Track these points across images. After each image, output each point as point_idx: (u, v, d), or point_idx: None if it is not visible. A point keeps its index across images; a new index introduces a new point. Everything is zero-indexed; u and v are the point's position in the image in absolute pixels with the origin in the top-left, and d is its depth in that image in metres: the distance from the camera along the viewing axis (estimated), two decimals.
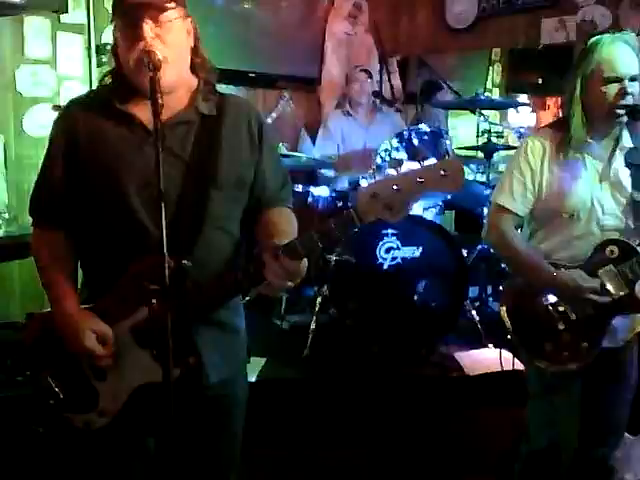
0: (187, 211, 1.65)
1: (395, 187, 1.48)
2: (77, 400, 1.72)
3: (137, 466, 1.79)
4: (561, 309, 2.20)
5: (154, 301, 1.58)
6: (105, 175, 1.67)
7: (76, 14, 4.14)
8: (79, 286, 1.81)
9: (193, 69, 1.75)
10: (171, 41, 1.63)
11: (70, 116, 1.74)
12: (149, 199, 1.64)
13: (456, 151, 4.52)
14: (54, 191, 1.74)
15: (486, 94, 4.97)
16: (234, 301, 1.82)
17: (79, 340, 1.64)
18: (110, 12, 1.70)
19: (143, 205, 1.65)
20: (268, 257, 1.54)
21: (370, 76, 4.97)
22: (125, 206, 1.66)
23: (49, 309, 1.76)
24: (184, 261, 1.58)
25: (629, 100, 2.13)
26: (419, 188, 1.48)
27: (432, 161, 1.64)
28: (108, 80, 1.76)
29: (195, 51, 1.73)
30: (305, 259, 1.57)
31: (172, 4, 1.64)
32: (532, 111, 6.33)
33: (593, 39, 2.20)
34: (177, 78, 1.68)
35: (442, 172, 1.47)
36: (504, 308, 2.30)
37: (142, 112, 1.68)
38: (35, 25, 4.04)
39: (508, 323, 2.27)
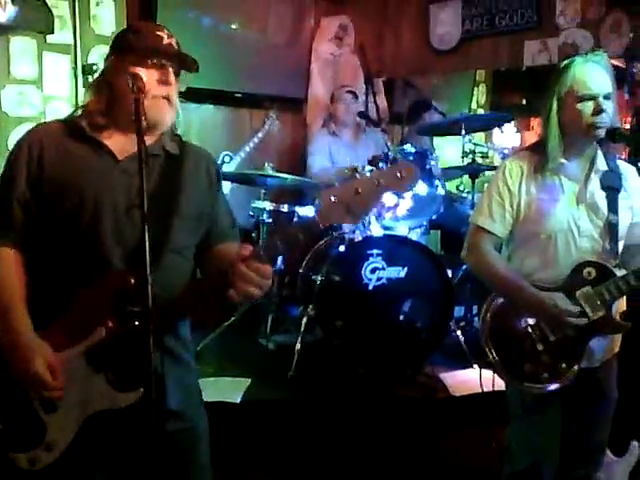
0: (150, 237, 1.58)
1: (355, 190, 1.56)
2: (20, 435, 1.63)
3: None
4: (540, 330, 2.21)
5: (110, 323, 1.59)
6: (69, 198, 1.68)
7: (62, 34, 4.17)
8: None
9: None
10: (176, 91, 1.78)
11: (36, 138, 1.74)
12: (112, 224, 1.67)
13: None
14: (13, 211, 1.71)
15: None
16: (184, 335, 1.83)
17: (30, 366, 1.58)
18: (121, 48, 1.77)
19: (105, 230, 1.67)
20: (239, 266, 1.56)
21: (356, 97, 5.00)
22: (86, 230, 1.67)
23: None
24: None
25: (604, 118, 2.17)
26: (377, 189, 1.58)
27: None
28: (79, 112, 1.82)
29: None
30: (270, 266, 1.60)
31: (191, 67, 1.77)
32: (517, 131, 6.39)
33: (566, 61, 2.26)
34: (170, 123, 1.80)
35: (398, 174, 1.59)
36: (484, 328, 2.31)
37: (112, 142, 1.75)
38: (21, 45, 4.06)
39: (487, 343, 2.28)
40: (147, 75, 1.70)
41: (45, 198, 1.70)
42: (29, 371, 1.58)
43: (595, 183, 2.25)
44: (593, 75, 2.19)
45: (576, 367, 2.19)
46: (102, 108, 1.75)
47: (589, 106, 2.17)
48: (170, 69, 1.74)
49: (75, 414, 1.62)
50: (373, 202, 1.58)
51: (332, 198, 1.57)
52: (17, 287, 1.69)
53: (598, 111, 2.17)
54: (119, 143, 1.75)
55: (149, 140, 1.74)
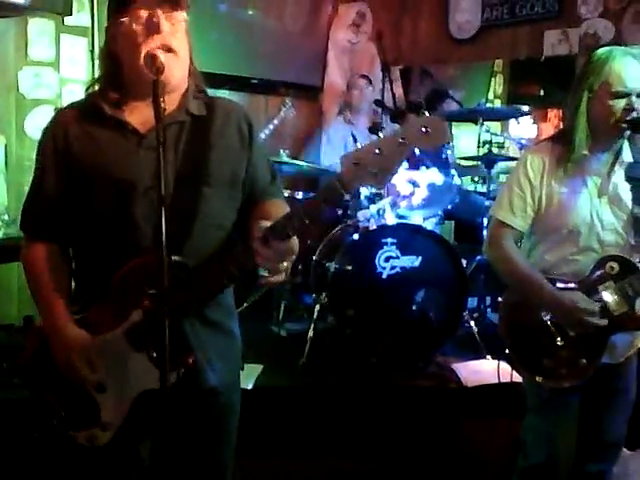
0: (180, 210, 1.61)
1: (377, 151, 1.44)
2: (78, 416, 1.68)
3: (132, 476, 1.76)
4: (560, 325, 2.18)
5: (146, 302, 1.57)
6: (100, 183, 1.65)
7: (80, 16, 4.15)
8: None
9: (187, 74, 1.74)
10: (181, 39, 1.65)
11: (59, 125, 1.72)
12: (145, 203, 1.63)
13: (457, 161, 4.51)
14: (48, 204, 1.73)
15: (488, 105, 4.97)
16: (227, 303, 1.80)
17: (69, 361, 1.64)
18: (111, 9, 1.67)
19: (139, 209, 1.64)
20: (257, 244, 1.51)
21: (370, 82, 4.97)
22: (121, 212, 1.64)
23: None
24: (174, 257, 1.54)
25: (633, 116, 2.12)
26: (402, 149, 1.45)
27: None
28: (96, 87, 1.74)
29: (190, 57, 1.73)
30: (295, 237, 1.54)
31: (183, 4, 1.65)
32: (533, 123, 6.33)
33: (603, 51, 2.18)
34: (182, 77, 1.68)
35: (423, 129, 1.44)
36: (501, 321, 2.29)
37: (133, 116, 1.68)
38: (39, 27, 4.05)
39: (504, 336, 2.26)
40: (134, 27, 1.59)
41: (77, 190, 1.69)
42: (69, 365, 1.64)
43: (619, 175, 2.21)
44: (630, 71, 2.11)
45: (597, 363, 2.16)
46: (113, 80, 1.68)
47: (621, 103, 2.11)
48: (159, 12, 1.60)
49: (125, 394, 1.64)
50: (397, 163, 1.46)
51: (353, 162, 1.46)
52: (56, 281, 1.73)
53: (629, 110, 2.11)
54: (141, 115, 1.67)
55: (170, 106, 1.64)
